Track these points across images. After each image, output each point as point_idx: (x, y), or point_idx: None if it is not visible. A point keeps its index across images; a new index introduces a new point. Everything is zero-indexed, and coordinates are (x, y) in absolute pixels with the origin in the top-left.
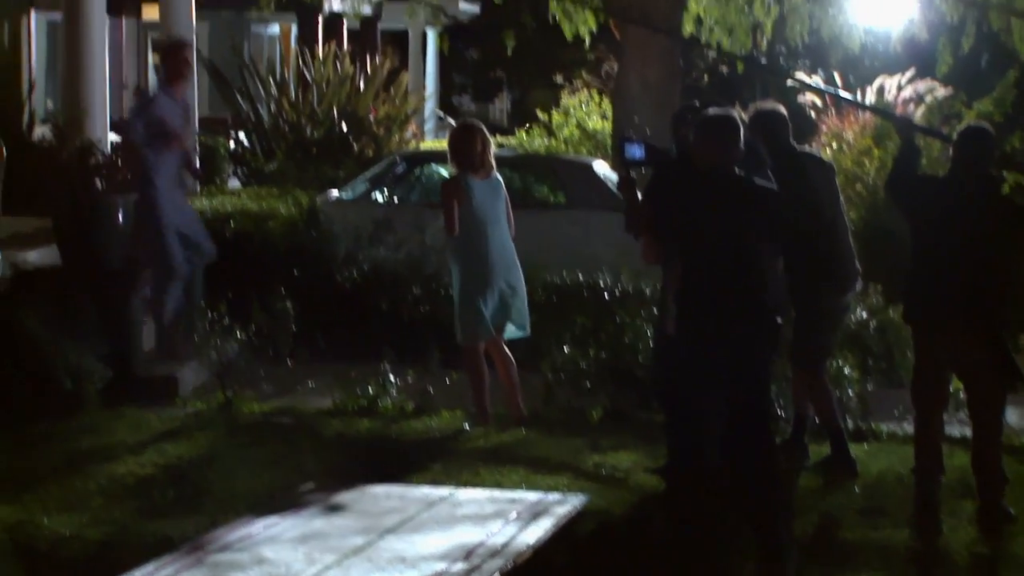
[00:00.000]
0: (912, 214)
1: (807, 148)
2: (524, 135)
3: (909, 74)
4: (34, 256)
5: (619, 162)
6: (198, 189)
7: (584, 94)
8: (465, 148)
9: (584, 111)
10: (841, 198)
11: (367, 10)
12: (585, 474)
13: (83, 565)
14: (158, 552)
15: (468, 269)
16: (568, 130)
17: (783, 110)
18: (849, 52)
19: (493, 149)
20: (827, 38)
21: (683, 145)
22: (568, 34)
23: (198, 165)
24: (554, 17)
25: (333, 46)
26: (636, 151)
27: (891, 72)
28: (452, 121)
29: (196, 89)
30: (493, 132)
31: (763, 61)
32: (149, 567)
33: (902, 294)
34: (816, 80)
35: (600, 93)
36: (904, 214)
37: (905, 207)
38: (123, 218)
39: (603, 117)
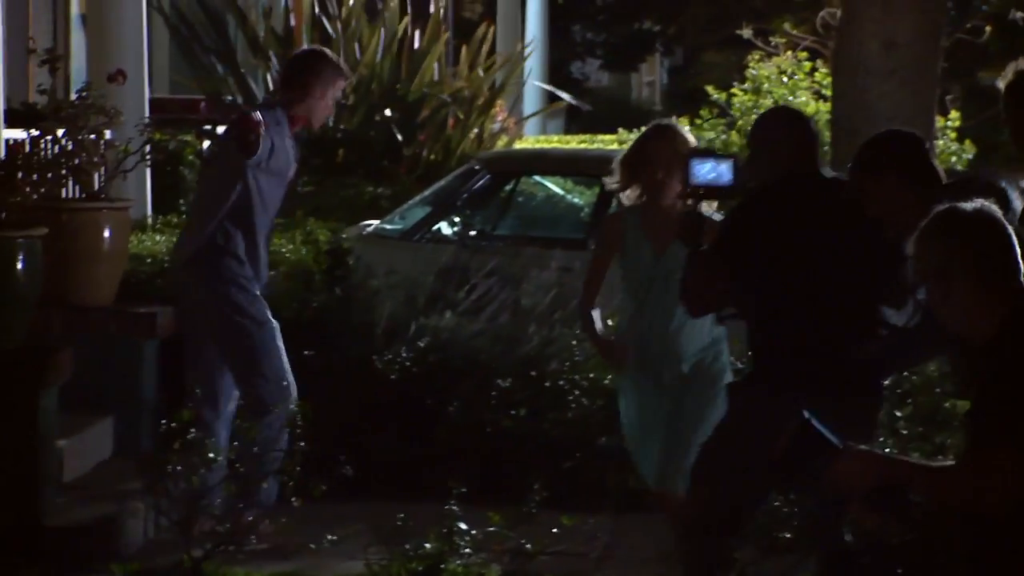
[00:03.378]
0: None
1: None
2: (688, 124)
3: None
4: None
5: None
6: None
7: (787, 58)
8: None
9: (787, 86)
10: None
11: None
12: None
13: None
14: None
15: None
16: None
17: None
18: None
19: None
20: None
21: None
22: None
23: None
24: None
25: None
26: (720, 171)
27: None
28: (571, 100)
29: (143, 52)
30: (636, 119)
31: None
32: None
33: None
34: None
35: (814, 57)
36: None
37: None
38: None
39: (817, 95)
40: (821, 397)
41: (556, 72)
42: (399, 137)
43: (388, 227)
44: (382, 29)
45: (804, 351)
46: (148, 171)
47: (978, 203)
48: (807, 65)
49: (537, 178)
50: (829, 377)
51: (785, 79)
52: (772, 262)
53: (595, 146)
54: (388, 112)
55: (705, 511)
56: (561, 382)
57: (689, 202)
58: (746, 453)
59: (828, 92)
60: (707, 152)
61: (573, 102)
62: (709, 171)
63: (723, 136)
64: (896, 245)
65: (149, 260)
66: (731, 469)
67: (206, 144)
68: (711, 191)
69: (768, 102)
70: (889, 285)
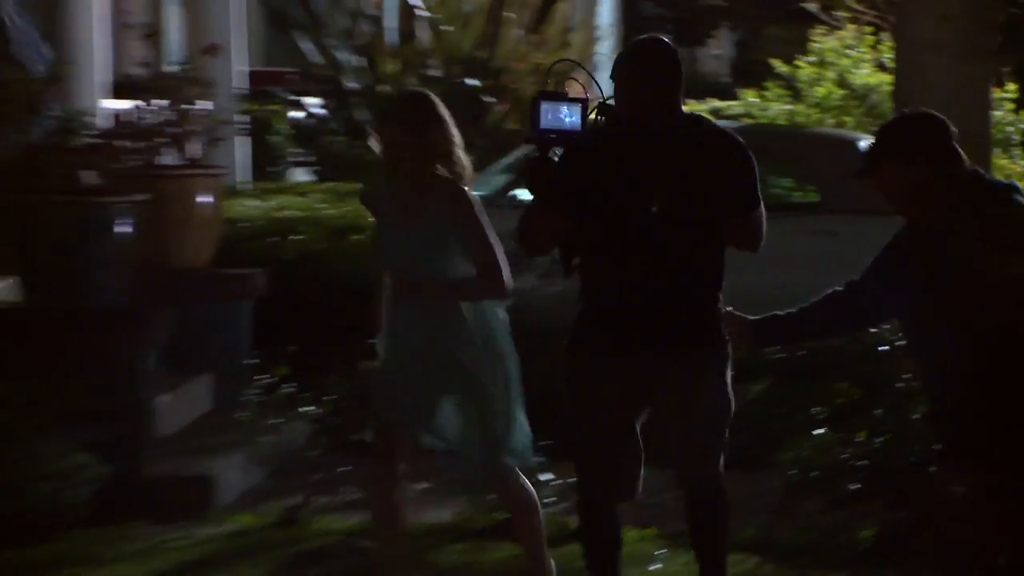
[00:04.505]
0: None
1: None
2: (754, 96)
3: None
4: None
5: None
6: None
7: (850, 31)
8: None
9: (850, 58)
10: None
11: None
12: None
13: None
14: None
15: None
16: (824, 88)
17: None
18: None
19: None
20: None
21: None
22: None
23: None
24: None
25: None
26: (568, 115)
27: None
28: None
29: (241, 28)
30: (705, 91)
31: None
32: None
33: None
34: None
35: (876, 31)
36: None
37: None
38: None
39: (880, 67)
40: (656, 354)
41: (624, 43)
42: (482, 105)
43: (472, 193)
44: (464, 6)
45: (632, 307)
46: (241, 139)
47: None
48: (870, 39)
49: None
50: (664, 333)
51: (849, 52)
52: (594, 210)
53: None
54: (471, 83)
55: (592, 488)
56: None
57: (536, 147)
58: (600, 418)
59: (891, 64)
60: (556, 95)
61: None
62: (558, 115)
63: (788, 106)
64: (744, 189)
65: (243, 224)
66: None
67: (292, 114)
68: (560, 135)
69: (831, 74)
70: (737, 230)
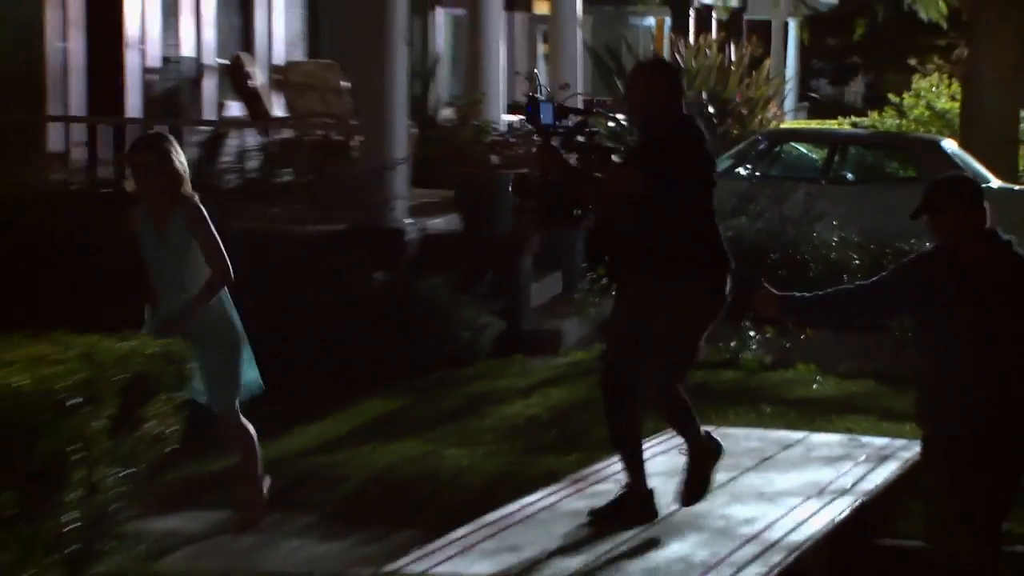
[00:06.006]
0: None
1: None
2: (877, 116)
3: None
4: (439, 222)
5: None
6: None
7: (935, 78)
8: None
9: (934, 93)
10: None
11: (734, 2)
12: None
13: (479, 492)
14: (544, 483)
15: None
16: (918, 110)
17: None
18: None
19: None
20: None
21: None
22: (925, 14)
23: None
24: (909, 4)
25: (703, 36)
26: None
27: None
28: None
29: (579, 72)
30: (847, 113)
31: None
32: (536, 495)
33: None
34: None
35: (950, 77)
36: None
37: None
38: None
39: (952, 98)
40: (644, 279)
41: (802, 85)
42: (716, 120)
43: None
44: (708, 62)
45: (630, 245)
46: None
47: None
48: (947, 81)
49: (792, 143)
50: (645, 264)
51: (934, 89)
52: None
53: (823, 126)
54: (711, 107)
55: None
56: (807, 257)
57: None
58: (615, 322)
59: (959, 96)
60: (545, 100)
61: (815, 95)
62: (546, 113)
63: (896, 121)
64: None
65: None
66: (612, 338)
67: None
68: (548, 128)
69: (923, 103)
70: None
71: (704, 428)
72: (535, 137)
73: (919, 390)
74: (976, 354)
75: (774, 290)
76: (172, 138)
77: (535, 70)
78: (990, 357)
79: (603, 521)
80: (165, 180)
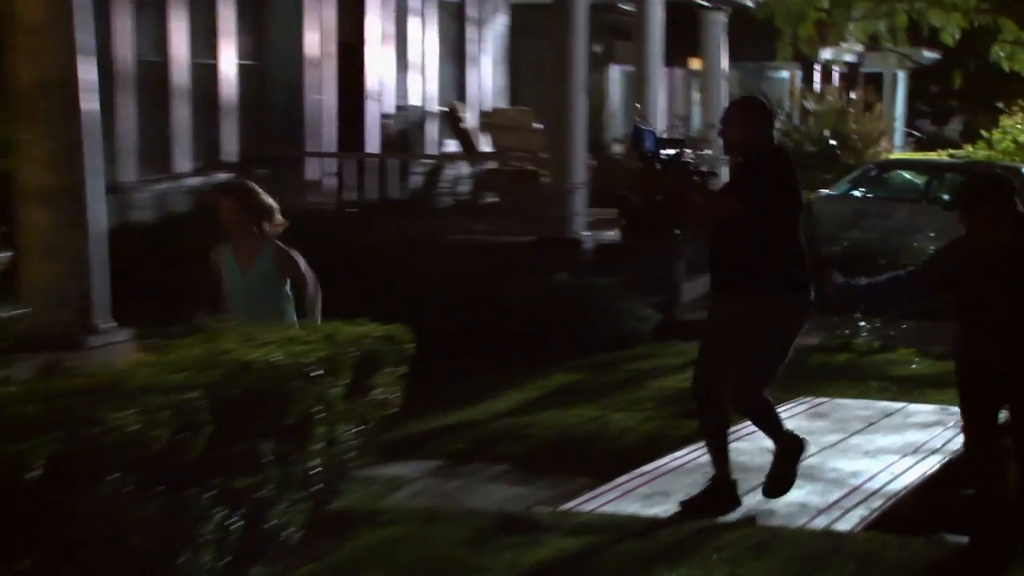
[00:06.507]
0: None
1: None
2: (970, 148)
3: None
4: (610, 235)
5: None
6: None
7: (1019, 116)
8: None
9: (1018, 129)
10: None
11: (852, 58)
12: None
13: (638, 448)
14: (689, 442)
15: None
16: (1005, 143)
17: None
18: None
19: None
20: None
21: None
22: (1008, 67)
23: None
24: (996, 59)
25: (827, 85)
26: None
27: None
28: (917, 133)
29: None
30: (947, 147)
31: None
32: (683, 451)
33: None
34: None
35: None
36: None
37: None
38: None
39: None
40: (730, 295)
41: (908, 124)
42: (837, 152)
43: (831, 193)
44: (831, 106)
45: (718, 263)
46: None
47: None
48: None
49: (898, 170)
50: (731, 281)
51: (1019, 126)
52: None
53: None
54: (832, 142)
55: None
56: (908, 263)
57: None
58: (707, 333)
59: None
60: (648, 129)
61: (918, 133)
62: (648, 140)
63: (988, 152)
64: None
65: None
66: (704, 347)
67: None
68: (649, 154)
69: (1010, 137)
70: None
71: (818, 399)
72: (639, 162)
73: (958, 341)
74: (990, 317)
75: (839, 278)
76: (252, 183)
77: (637, 104)
78: (1002, 320)
79: (693, 509)
80: (248, 221)
